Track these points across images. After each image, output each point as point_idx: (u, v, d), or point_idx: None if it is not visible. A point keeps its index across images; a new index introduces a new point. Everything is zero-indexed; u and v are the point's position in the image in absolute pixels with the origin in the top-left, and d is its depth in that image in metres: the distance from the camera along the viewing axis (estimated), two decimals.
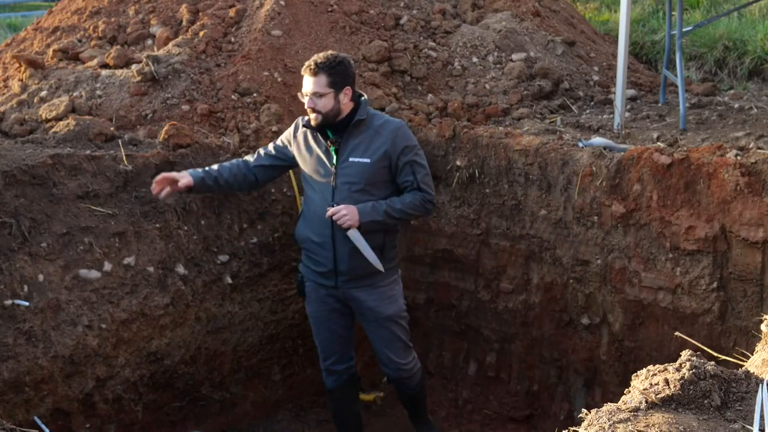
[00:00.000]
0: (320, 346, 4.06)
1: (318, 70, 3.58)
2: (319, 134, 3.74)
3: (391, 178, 3.78)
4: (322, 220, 3.71)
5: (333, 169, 3.71)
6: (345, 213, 3.62)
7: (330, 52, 3.69)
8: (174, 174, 3.80)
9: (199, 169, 3.89)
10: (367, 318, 3.94)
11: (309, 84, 3.61)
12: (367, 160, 3.69)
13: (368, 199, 3.70)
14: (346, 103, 3.67)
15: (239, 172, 3.88)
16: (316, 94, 3.60)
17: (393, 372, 4.06)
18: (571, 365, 4.44)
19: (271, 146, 3.96)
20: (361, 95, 3.79)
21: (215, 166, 3.91)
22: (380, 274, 3.82)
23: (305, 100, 3.65)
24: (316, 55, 3.66)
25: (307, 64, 3.64)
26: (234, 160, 3.99)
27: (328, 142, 3.72)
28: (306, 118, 3.77)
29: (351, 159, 3.69)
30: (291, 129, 3.91)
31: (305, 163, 3.82)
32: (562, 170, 4.24)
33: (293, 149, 3.86)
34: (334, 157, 3.71)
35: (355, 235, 3.67)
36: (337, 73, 3.59)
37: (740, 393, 2.00)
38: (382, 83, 5.20)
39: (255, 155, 3.96)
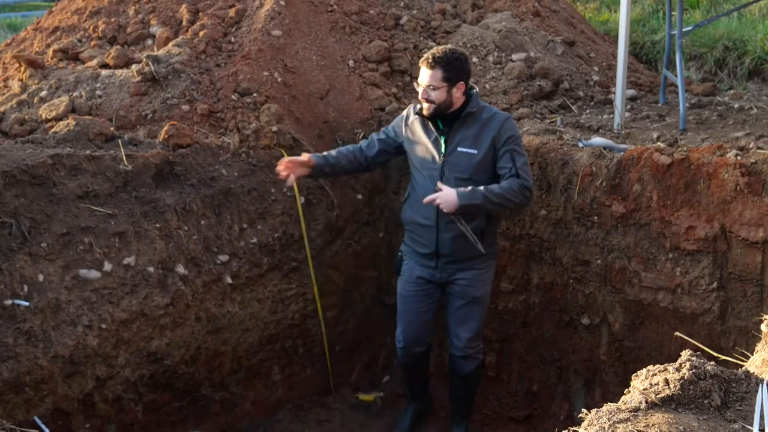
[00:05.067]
0: (401, 326, 4.18)
1: (435, 64, 3.73)
2: (430, 123, 3.88)
3: (494, 168, 3.87)
4: (429, 205, 3.82)
5: (441, 159, 3.85)
6: (441, 200, 3.72)
7: (449, 46, 3.84)
8: (298, 158, 4.00)
9: (319, 155, 4.06)
10: (455, 295, 4.05)
11: (425, 76, 3.76)
12: (475, 151, 3.82)
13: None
14: (458, 96, 3.80)
15: (355, 159, 4.09)
16: (431, 87, 3.75)
17: (458, 350, 4.12)
18: (571, 365, 4.44)
19: (383, 133, 4.12)
20: (473, 88, 3.92)
21: (334, 153, 4.10)
22: (479, 258, 3.94)
23: (420, 90, 3.80)
24: (435, 48, 3.83)
25: (425, 56, 3.78)
26: (350, 147, 4.17)
27: (438, 132, 3.86)
28: (418, 106, 3.90)
29: (459, 149, 3.83)
30: (402, 116, 4.07)
31: (414, 151, 3.97)
32: (562, 170, 4.24)
33: (403, 137, 4.01)
34: (443, 147, 3.84)
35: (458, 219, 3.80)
36: (452, 69, 3.73)
37: (740, 393, 2.00)
38: (382, 83, 5.20)
39: (368, 141, 4.13)
